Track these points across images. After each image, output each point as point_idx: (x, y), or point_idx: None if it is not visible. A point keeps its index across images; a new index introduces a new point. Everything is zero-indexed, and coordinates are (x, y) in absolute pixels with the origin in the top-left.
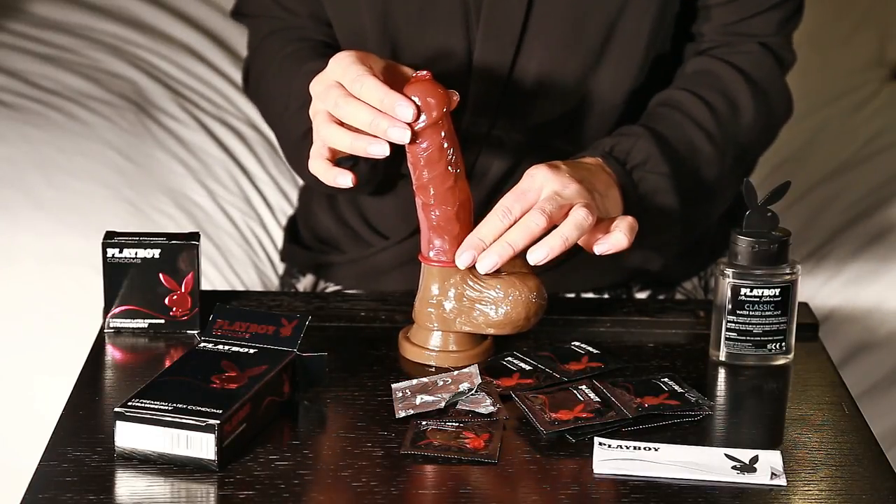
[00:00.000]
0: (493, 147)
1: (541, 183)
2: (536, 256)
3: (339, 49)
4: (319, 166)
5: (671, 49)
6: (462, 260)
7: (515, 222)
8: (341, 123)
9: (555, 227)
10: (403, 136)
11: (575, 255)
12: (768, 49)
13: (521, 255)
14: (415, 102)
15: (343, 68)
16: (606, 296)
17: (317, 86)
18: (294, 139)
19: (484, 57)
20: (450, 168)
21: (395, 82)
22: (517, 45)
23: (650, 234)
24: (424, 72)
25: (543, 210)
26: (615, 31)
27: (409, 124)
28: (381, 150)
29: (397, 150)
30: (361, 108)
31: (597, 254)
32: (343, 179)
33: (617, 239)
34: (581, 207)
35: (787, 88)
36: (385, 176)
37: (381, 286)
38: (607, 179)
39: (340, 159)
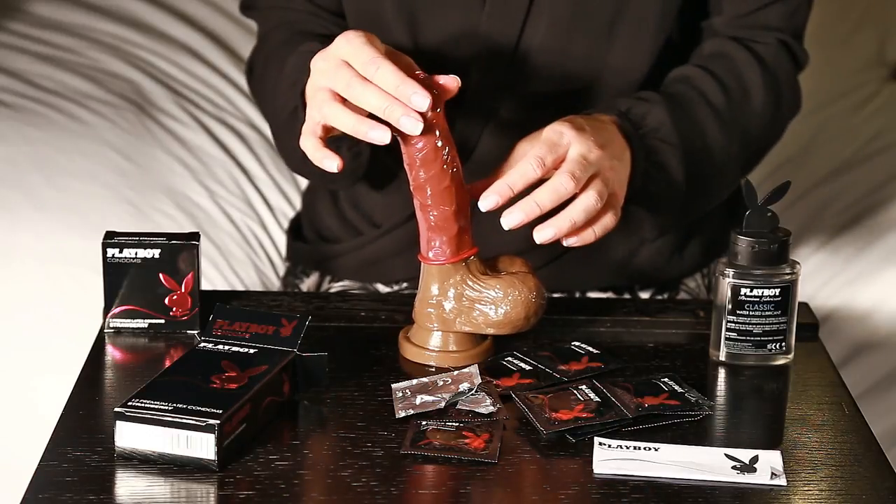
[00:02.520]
0: (500, 124)
1: (568, 141)
2: (545, 235)
3: None
4: (310, 144)
5: (683, 44)
6: (486, 202)
7: (544, 176)
8: (344, 103)
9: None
10: (416, 128)
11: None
12: (785, 45)
13: (521, 254)
14: (432, 93)
15: (354, 49)
16: (610, 294)
17: (320, 62)
18: (283, 118)
19: (491, 29)
20: (446, 167)
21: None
22: (524, 20)
23: (650, 205)
24: (418, 71)
25: (574, 174)
26: (624, 9)
27: (421, 114)
28: (382, 136)
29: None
30: (376, 93)
31: (565, 245)
32: (330, 163)
33: (587, 235)
34: (593, 193)
35: (799, 86)
36: (377, 167)
37: (384, 276)
38: (622, 144)
39: (330, 139)
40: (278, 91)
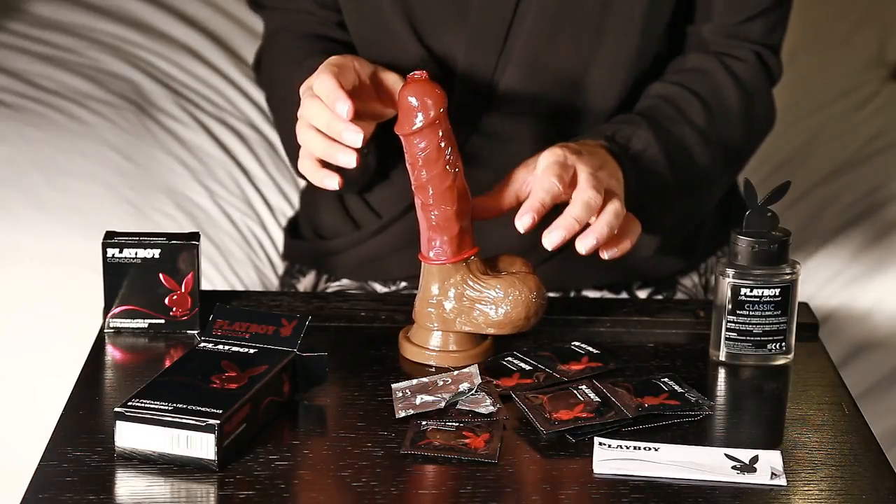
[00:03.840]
0: (484, 134)
1: (573, 162)
2: (587, 243)
3: (346, 42)
4: (307, 167)
5: (666, 58)
6: (522, 222)
7: (564, 194)
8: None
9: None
10: (355, 140)
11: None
12: (762, 61)
13: (521, 254)
14: (434, 94)
15: (320, 81)
16: (607, 294)
17: (303, 88)
18: (292, 127)
19: (473, 43)
20: (448, 167)
21: (384, 87)
22: (505, 35)
23: (644, 224)
24: (420, 72)
25: (597, 188)
26: (609, 10)
27: (424, 114)
28: (348, 160)
29: (393, 151)
30: (321, 109)
31: (605, 258)
32: (330, 181)
33: (625, 245)
34: (616, 201)
35: (773, 103)
36: (377, 173)
37: (383, 274)
38: (614, 165)
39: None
40: (288, 102)
